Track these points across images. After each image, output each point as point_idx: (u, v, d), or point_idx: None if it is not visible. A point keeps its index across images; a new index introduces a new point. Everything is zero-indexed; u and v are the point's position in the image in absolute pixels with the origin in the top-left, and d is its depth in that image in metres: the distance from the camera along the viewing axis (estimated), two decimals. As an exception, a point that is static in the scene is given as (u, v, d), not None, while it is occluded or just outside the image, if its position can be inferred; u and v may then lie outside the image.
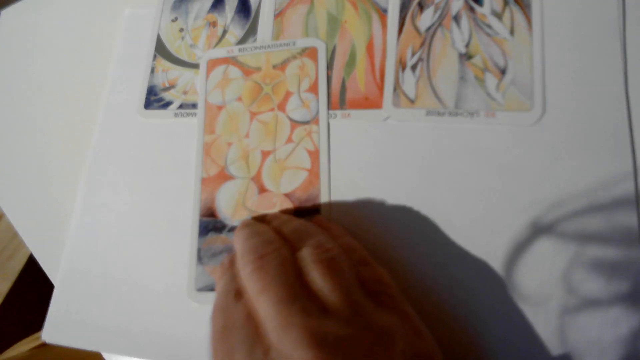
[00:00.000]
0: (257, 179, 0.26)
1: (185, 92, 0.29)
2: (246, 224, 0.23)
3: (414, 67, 0.25)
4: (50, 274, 0.28)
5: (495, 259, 0.22)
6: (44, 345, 0.27)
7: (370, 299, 0.19)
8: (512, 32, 0.24)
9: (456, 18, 0.25)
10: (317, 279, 0.18)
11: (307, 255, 0.19)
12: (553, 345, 0.20)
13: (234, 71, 0.28)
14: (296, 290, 0.18)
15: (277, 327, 0.17)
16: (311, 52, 0.27)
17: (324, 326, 0.17)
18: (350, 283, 0.19)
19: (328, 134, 0.26)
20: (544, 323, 0.20)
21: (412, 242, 0.23)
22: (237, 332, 0.18)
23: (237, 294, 0.19)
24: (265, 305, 0.18)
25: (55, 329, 0.26)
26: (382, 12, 0.27)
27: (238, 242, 0.21)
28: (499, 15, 0.25)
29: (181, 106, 0.29)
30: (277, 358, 0.16)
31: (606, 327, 0.20)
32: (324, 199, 0.24)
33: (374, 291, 0.19)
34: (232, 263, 0.21)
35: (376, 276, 0.20)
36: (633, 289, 0.20)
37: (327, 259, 0.19)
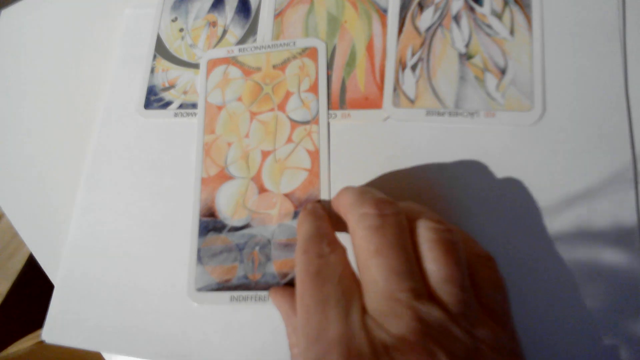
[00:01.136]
0: (257, 179, 0.26)
1: (185, 92, 0.29)
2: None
3: (414, 67, 0.25)
4: (50, 274, 0.28)
5: (495, 259, 0.22)
6: (43, 343, 0.26)
7: (480, 304, 0.17)
8: (512, 32, 0.24)
9: (456, 18, 0.25)
10: (432, 262, 0.17)
11: (425, 229, 0.18)
12: (558, 345, 0.20)
13: (234, 71, 0.28)
14: (411, 265, 0.16)
15: (381, 296, 0.16)
16: (311, 52, 0.27)
17: (431, 315, 0.15)
18: (466, 279, 0.17)
19: (328, 134, 0.26)
20: (547, 321, 0.20)
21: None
22: (334, 284, 0.17)
23: (331, 243, 0.18)
24: (374, 269, 0.16)
25: (55, 329, 0.26)
26: (382, 12, 0.27)
27: (348, 193, 0.19)
28: (499, 15, 0.25)
29: (181, 106, 0.29)
30: (374, 327, 0.15)
31: (604, 328, 0.20)
32: (323, 199, 0.24)
33: (489, 295, 0.17)
34: (316, 210, 0.20)
35: (496, 281, 0.18)
36: (632, 287, 0.20)
37: (447, 240, 0.17)
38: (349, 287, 0.17)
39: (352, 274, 0.18)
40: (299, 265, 0.18)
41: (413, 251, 0.17)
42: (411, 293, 0.16)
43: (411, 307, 0.15)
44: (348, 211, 0.18)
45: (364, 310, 0.16)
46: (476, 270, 0.18)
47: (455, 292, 0.16)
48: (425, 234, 0.17)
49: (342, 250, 0.18)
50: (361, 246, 0.17)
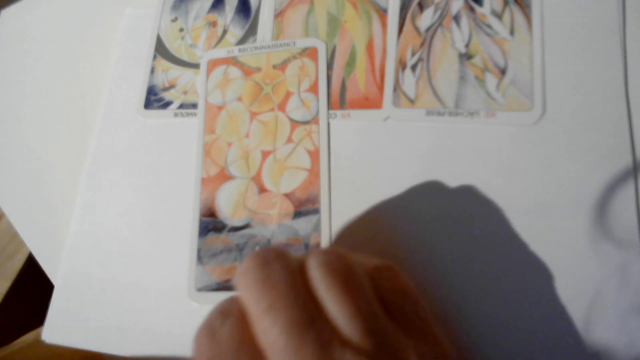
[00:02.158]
0: (257, 179, 0.26)
1: (185, 92, 0.29)
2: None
3: (414, 67, 0.25)
4: (50, 274, 0.28)
5: (495, 259, 0.22)
6: (43, 343, 0.26)
7: (393, 321, 0.16)
8: (512, 32, 0.24)
9: (456, 18, 0.25)
10: (331, 302, 0.15)
11: (314, 264, 0.16)
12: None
13: (234, 71, 0.28)
14: (310, 312, 0.15)
15: (286, 356, 0.14)
16: (311, 52, 0.27)
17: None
18: (370, 305, 0.16)
19: (328, 134, 0.26)
20: (545, 319, 0.20)
21: (412, 242, 0.23)
22: None
23: (224, 312, 0.16)
24: (271, 328, 0.15)
25: (55, 329, 0.26)
26: (382, 12, 0.27)
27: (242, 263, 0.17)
28: (499, 15, 0.25)
29: (181, 106, 0.29)
30: None
31: (605, 327, 0.20)
32: (323, 199, 0.24)
33: (398, 308, 0.17)
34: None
35: (399, 288, 0.17)
36: (632, 287, 0.20)
37: (339, 269, 0.16)
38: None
39: (251, 342, 0.15)
40: (193, 353, 0.16)
41: (309, 293, 0.16)
42: (317, 344, 0.14)
43: (321, 359, 0.14)
44: (237, 277, 0.16)
45: None
46: (378, 285, 0.17)
47: (364, 327, 0.15)
48: (315, 269, 0.16)
49: (236, 315, 0.16)
50: (251, 306, 0.15)
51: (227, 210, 0.26)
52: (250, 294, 0.15)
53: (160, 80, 0.30)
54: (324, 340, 0.14)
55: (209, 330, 0.16)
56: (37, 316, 0.28)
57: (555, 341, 0.20)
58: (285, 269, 0.16)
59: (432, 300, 0.22)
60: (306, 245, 0.24)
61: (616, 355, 0.19)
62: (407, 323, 0.16)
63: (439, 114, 0.24)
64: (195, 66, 0.29)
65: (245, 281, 0.16)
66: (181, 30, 0.31)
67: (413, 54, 0.25)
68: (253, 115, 0.27)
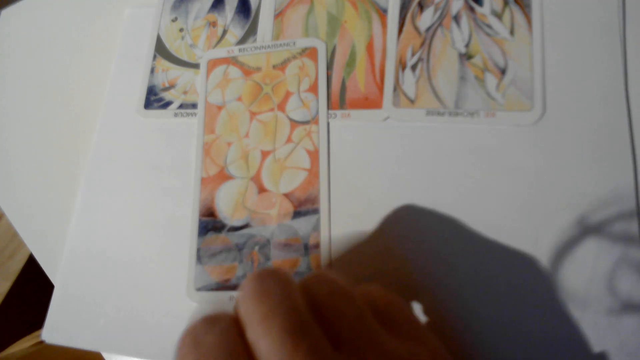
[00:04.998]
0: (256, 178, 0.26)
1: (185, 92, 0.29)
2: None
3: (414, 67, 0.25)
4: (50, 274, 0.28)
5: (494, 259, 0.22)
6: (43, 343, 0.27)
7: (384, 326, 0.16)
8: (512, 32, 0.24)
9: (456, 18, 0.25)
10: (325, 309, 0.16)
11: (310, 281, 0.17)
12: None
13: (234, 71, 0.28)
14: (305, 321, 0.15)
15: None
16: (311, 52, 0.27)
17: None
18: (362, 309, 0.16)
19: (328, 134, 0.26)
20: (548, 320, 0.20)
21: (412, 242, 0.23)
22: None
23: (211, 319, 0.16)
24: (266, 335, 0.14)
25: (55, 329, 0.26)
26: (382, 12, 0.27)
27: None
28: (499, 15, 0.25)
29: (181, 106, 0.29)
30: None
31: (607, 326, 0.20)
32: (323, 199, 0.24)
33: (387, 316, 0.17)
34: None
35: (386, 300, 0.18)
36: (633, 286, 0.20)
37: (332, 285, 0.17)
38: None
39: (240, 353, 0.15)
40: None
41: (303, 306, 0.16)
42: (310, 350, 0.14)
43: None
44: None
45: None
46: (369, 301, 0.18)
47: (356, 327, 0.15)
48: (314, 288, 0.17)
49: (224, 323, 0.16)
50: (246, 315, 0.15)
51: (227, 210, 0.26)
52: (247, 304, 0.15)
53: (160, 80, 0.30)
54: (318, 347, 0.14)
55: (192, 337, 0.16)
56: (37, 316, 0.28)
57: (549, 340, 0.20)
58: (281, 283, 0.16)
59: (430, 299, 0.22)
60: (305, 245, 0.24)
61: (608, 354, 0.19)
62: (397, 328, 0.17)
63: (439, 114, 0.24)
64: (195, 66, 0.29)
65: (243, 293, 0.16)
66: (181, 30, 0.31)
67: (413, 54, 0.25)
68: (253, 115, 0.27)
